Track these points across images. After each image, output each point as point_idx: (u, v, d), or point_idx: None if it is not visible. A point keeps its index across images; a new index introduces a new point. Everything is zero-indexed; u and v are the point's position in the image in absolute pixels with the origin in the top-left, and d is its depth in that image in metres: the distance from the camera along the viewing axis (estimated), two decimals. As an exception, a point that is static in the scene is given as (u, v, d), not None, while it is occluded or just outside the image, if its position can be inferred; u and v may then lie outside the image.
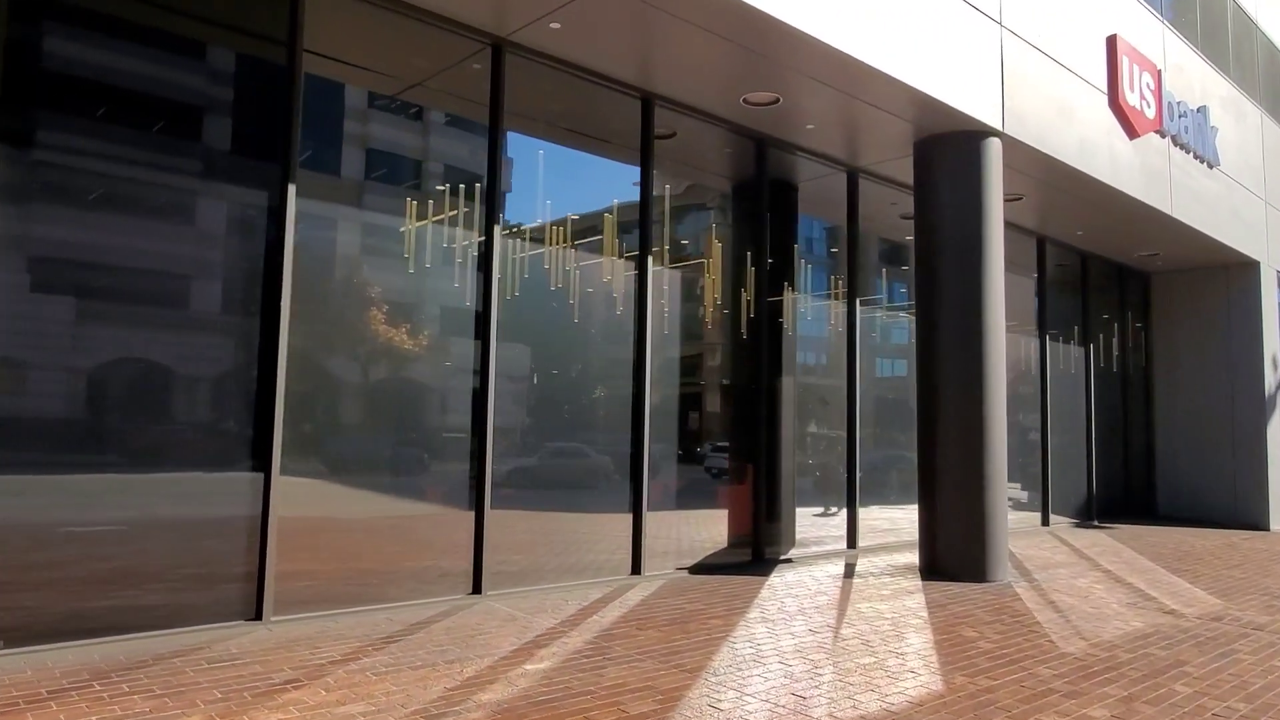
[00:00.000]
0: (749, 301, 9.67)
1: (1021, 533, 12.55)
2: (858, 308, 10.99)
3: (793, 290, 10.38)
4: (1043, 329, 13.88)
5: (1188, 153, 12.77)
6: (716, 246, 9.58)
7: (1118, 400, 15.77)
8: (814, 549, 10.04)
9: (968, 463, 8.75)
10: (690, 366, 9.55)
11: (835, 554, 10.02)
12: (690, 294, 9.40)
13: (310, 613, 6.13)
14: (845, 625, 6.49)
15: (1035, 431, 13.68)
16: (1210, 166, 13.36)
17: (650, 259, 8.55)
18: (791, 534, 10.01)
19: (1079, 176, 10.70)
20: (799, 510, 10.26)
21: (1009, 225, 11.73)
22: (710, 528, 9.25)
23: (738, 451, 9.63)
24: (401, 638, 5.68)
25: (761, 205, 9.89)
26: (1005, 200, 10.23)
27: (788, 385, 10.12)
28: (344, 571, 6.57)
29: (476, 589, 7.03)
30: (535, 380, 8.08)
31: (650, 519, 8.35)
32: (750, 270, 9.76)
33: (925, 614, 6.95)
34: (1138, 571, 9.51)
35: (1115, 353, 15.74)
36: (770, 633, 6.17)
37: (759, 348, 9.72)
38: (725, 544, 9.25)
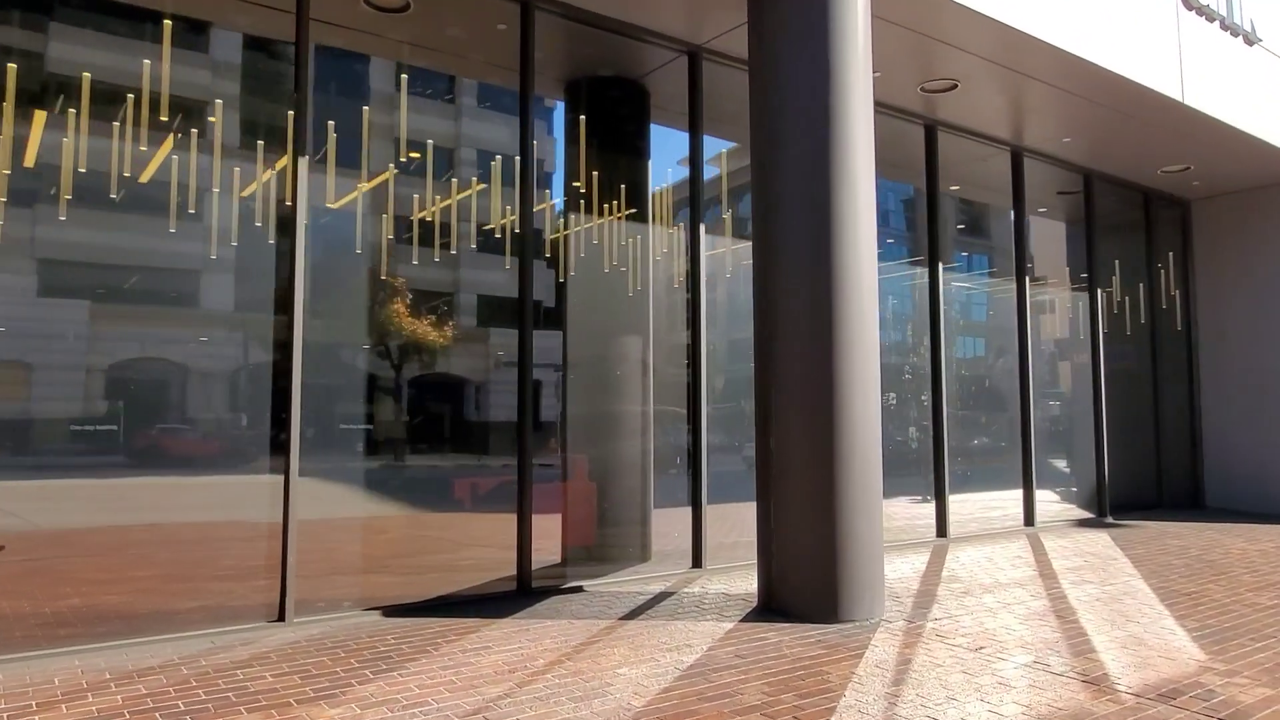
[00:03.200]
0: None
1: (985, 537, 9.49)
2: (941, 278, 9.56)
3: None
4: (1021, 272, 10.66)
5: (1211, 21, 9.44)
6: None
7: (1145, 365, 12.37)
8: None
9: (814, 451, 5.88)
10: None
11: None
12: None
13: None
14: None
15: (1014, 405, 10.52)
16: (1249, 43, 9.95)
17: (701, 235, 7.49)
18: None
19: (1040, 48, 7.66)
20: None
21: (972, 135, 8.89)
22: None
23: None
24: None
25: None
26: (938, 90, 7.63)
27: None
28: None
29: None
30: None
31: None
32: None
33: (649, 690, 4.20)
34: (1109, 599, 6.47)
35: (1141, 304, 12.35)
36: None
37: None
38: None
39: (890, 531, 8.88)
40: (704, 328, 7.59)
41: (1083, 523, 10.79)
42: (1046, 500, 10.84)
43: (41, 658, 4.70)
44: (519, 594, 6.32)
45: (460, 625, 5.50)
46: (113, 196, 5.58)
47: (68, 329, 5.48)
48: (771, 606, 5.99)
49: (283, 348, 5.78)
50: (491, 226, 7.08)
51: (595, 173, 7.91)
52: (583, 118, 7.90)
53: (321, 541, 5.91)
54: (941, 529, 9.18)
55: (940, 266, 9.48)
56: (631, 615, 5.83)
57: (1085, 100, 8.89)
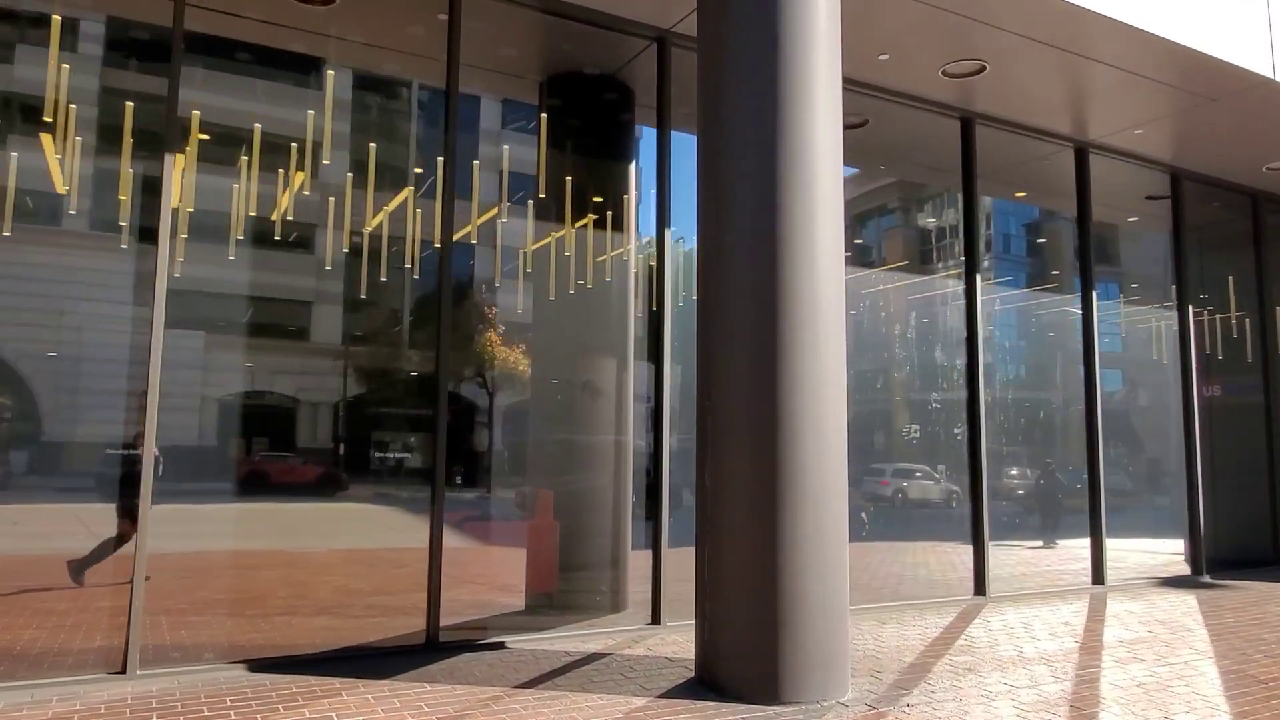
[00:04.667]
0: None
1: (1037, 596, 8.06)
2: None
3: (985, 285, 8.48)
4: (1086, 286, 9.18)
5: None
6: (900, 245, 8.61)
7: (1258, 396, 10.56)
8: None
9: (753, 493, 4.85)
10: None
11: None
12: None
13: None
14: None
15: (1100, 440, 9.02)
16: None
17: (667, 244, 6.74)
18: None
19: (1081, 16, 6.48)
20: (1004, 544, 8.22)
21: (1017, 128, 7.78)
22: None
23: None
24: None
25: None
26: (964, 74, 6.75)
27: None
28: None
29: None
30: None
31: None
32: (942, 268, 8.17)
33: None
34: (1155, 686, 5.12)
35: (1249, 325, 10.58)
36: None
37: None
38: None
39: (920, 585, 7.67)
40: (667, 348, 6.63)
41: (1170, 582, 9.14)
42: (1131, 553, 9.27)
43: None
44: (426, 649, 5.51)
45: (325, 686, 4.74)
46: (234, 234, 5.74)
47: (189, 358, 5.72)
48: (705, 680, 4.96)
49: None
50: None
51: (568, 178, 7.15)
52: (545, 117, 7.17)
53: (208, 580, 5.29)
54: (980, 585, 7.84)
55: (978, 281, 8.22)
56: (535, 682, 4.92)
57: (1151, 81, 7.53)
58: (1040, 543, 8.88)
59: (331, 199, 6.11)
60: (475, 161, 6.77)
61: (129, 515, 5.00)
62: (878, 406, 8.32)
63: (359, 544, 6.10)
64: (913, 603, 7.44)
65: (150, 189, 5.45)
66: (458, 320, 6.53)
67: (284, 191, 5.93)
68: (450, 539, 7.39)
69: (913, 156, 8.75)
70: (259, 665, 5.03)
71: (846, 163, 7.99)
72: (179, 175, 5.45)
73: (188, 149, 5.58)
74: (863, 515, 7.53)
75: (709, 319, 5.17)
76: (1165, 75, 7.44)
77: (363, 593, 5.86)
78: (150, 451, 5.15)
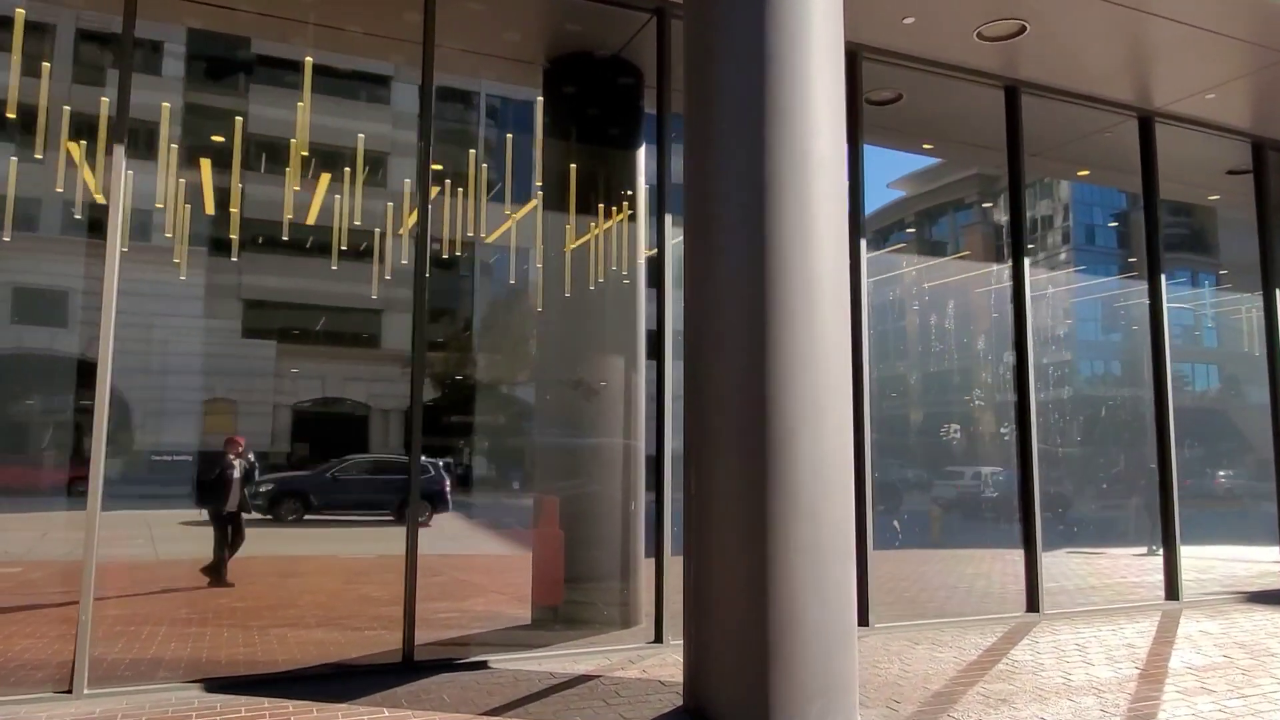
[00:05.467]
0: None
1: (1100, 614, 7.26)
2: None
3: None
4: (1155, 270, 8.28)
5: None
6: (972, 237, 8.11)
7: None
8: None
9: (742, 501, 4.32)
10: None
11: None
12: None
13: None
14: None
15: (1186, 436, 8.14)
16: None
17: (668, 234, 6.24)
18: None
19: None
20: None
21: (1068, 96, 7.13)
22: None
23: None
24: None
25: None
26: (1002, 36, 6.50)
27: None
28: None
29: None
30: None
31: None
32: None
33: None
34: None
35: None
36: None
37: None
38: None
39: (969, 599, 7.01)
40: (668, 344, 6.13)
41: (1259, 597, 8.19)
42: (1220, 562, 8.39)
43: None
44: (401, 669, 5.14)
45: (278, 710, 4.40)
46: (295, 242, 5.84)
47: (264, 366, 5.88)
48: (692, 709, 4.46)
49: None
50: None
51: (573, 165, 6.76)
52: (544, 102, 6.78)
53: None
54: (1032, 600, 7.11)
55: (1026, 268, 7.47)
56: (504, 709, 4.50)
57: (1221, 37, 6.70)
58: (1145, 549, 8.10)
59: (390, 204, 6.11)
60: (465, 152, 6.44)
61: (226, 520, 5.21)
62: (955, 407, 7.67)
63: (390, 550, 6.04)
64: (956, 620, 6.77)
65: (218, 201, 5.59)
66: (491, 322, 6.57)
67: (346, 199, 5.96)
68: (466, 546, 7.09)
69: (955, 133, 8.06)
70: (218, 685, 4.73)
71: (880, 143, 7.54)
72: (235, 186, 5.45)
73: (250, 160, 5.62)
74: (895, 524, 6.90)
75: (695, 314, 4.67)
76: (1237, 28, 6.61)
77: (373, 602, 5.62)
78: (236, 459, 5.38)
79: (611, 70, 6.92)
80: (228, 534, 5.69)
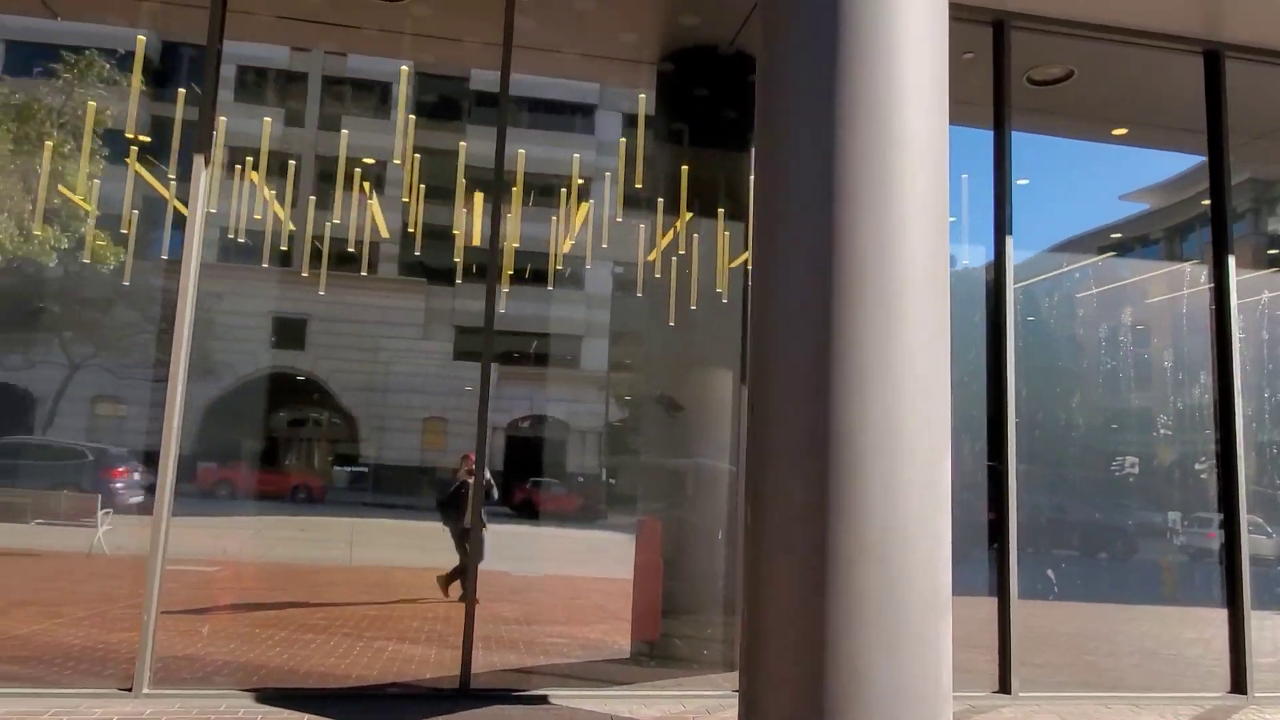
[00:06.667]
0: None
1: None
2: (1232, 283, 6.64)
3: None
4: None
5: None
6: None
7: None
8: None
9: (803, 537, 3.68)
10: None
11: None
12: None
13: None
14: None
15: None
16: None
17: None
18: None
19: None
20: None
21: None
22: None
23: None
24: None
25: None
26: None
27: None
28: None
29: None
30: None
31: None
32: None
33: None
34: None
35: None
36: None
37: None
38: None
39: (1159, 671, 5.84)
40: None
41: None
42: None
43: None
44: (458, 695, 4.87)
45: (313, 729, 4.25)
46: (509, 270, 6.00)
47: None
48: (744, 772, 3.83)
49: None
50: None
51: (684, 166, 6.37)
52: (660, 105, 6.42)
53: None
54: (1238, 678, 5.74)
55: (1230, 272, 6.14)
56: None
57: None
58: None
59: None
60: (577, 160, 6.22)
61: (462, 535, 5.45)
62: (1134, 437, 6.48)
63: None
64: (1132, 696, 5.59)
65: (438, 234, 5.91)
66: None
67: (565, 228, 6.12)
68: (572, 567, 6.87)
69: (1143, 113, 6.84)
70: (270, 696, 4.67)
71: (1045, 130, 6.52)
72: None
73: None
74: (1049, 573, 5.83)
75: (757, 324, 4.09)
76: None
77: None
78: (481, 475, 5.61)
79: (720, 63, 6.45)
80: (465, 548, 5.80)
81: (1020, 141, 5.90)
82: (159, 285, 5.86)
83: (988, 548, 5.49)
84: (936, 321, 3.82)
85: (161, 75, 5.91)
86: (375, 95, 6.25)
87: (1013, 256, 5.66)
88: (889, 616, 3.54)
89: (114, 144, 6.06)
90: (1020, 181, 5.95)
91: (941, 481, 3.75)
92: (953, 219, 7.68)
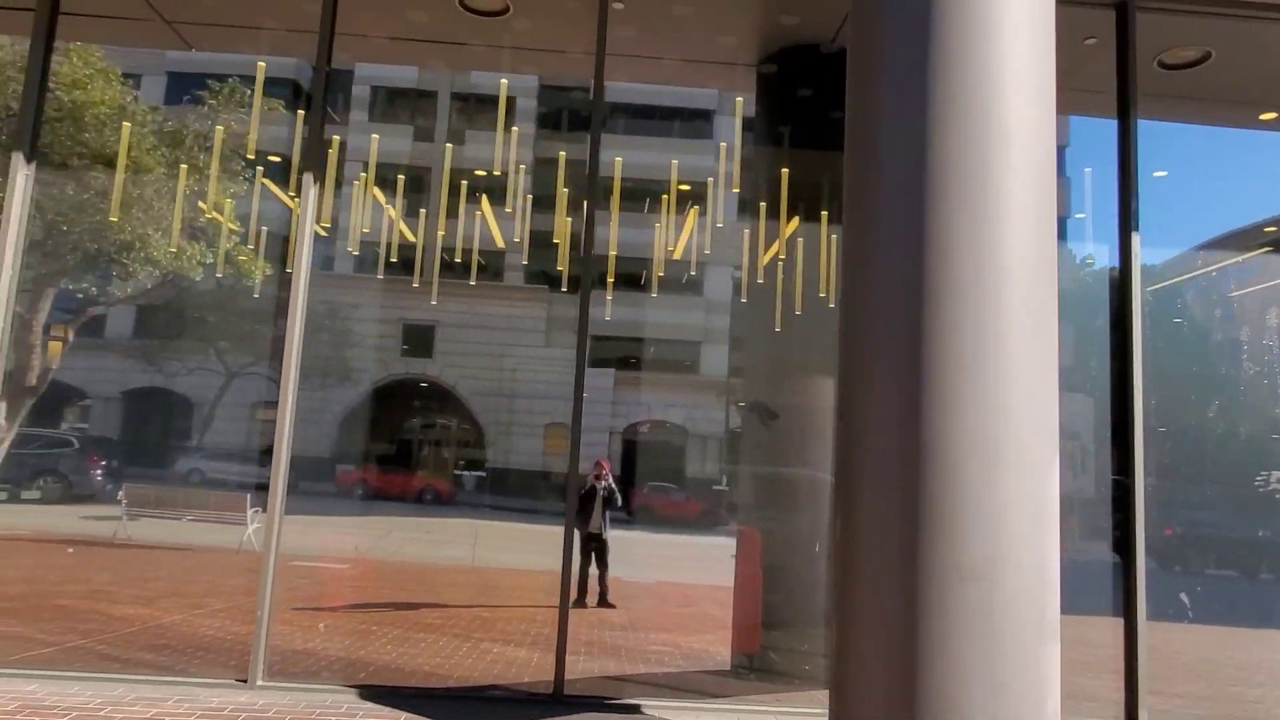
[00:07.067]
0: None
1: None
2: None
3: None
4: None
5: None
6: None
7: None
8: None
9: (896, 552, 3.52)
10: None
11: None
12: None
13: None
14: None
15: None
16: None
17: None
18: None
19: None
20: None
21: None
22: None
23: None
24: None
25: None
26: None
27: None
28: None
29: None
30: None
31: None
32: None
33: None
34: None
35: None
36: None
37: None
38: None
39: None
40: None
41: None
42: None
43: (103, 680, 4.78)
44: (551, 701, 4.90)
45: (410, 728, 4.37)
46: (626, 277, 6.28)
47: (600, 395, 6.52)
48: (830, 799, 3.69)
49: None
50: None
51: (785, 169, 6.26)
52: (763, 105, 6.31)
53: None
54: None
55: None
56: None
57: None
58: None
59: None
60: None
61: (590, 540, 5.62)
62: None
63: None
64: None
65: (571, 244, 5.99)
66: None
67: (680, 234, 6.22)
68: (686, 574, 6.83)
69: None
70: (372, 693, 4.83)
71: (1182, 118, 6.05)
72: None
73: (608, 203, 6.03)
74: (1183, 597, 5.37)
75: (846, 324, 3.94)
76: None
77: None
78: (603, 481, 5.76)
79: (831, 63, 6.27)
80: (591, 555, 5.95)
81: (1155, 131, 5.48)
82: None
83: (1113, 565, 5.12)
84: (1041, 325, 3.58)
85: (291, 97, 6.23)
86: (489, 109, 6.38)
87: (1140, 254, 5.26)
88: (988, 641, 3.34)
89: (249, 164, 6.44)
90: (1157, 174, 5.54)
91: (1048, 496, 3.52)
92: (1079, 215, 7.20)
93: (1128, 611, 4.92)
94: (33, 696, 4.41)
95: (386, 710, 4.59)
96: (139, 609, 6.60)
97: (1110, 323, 5.25)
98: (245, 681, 4.76)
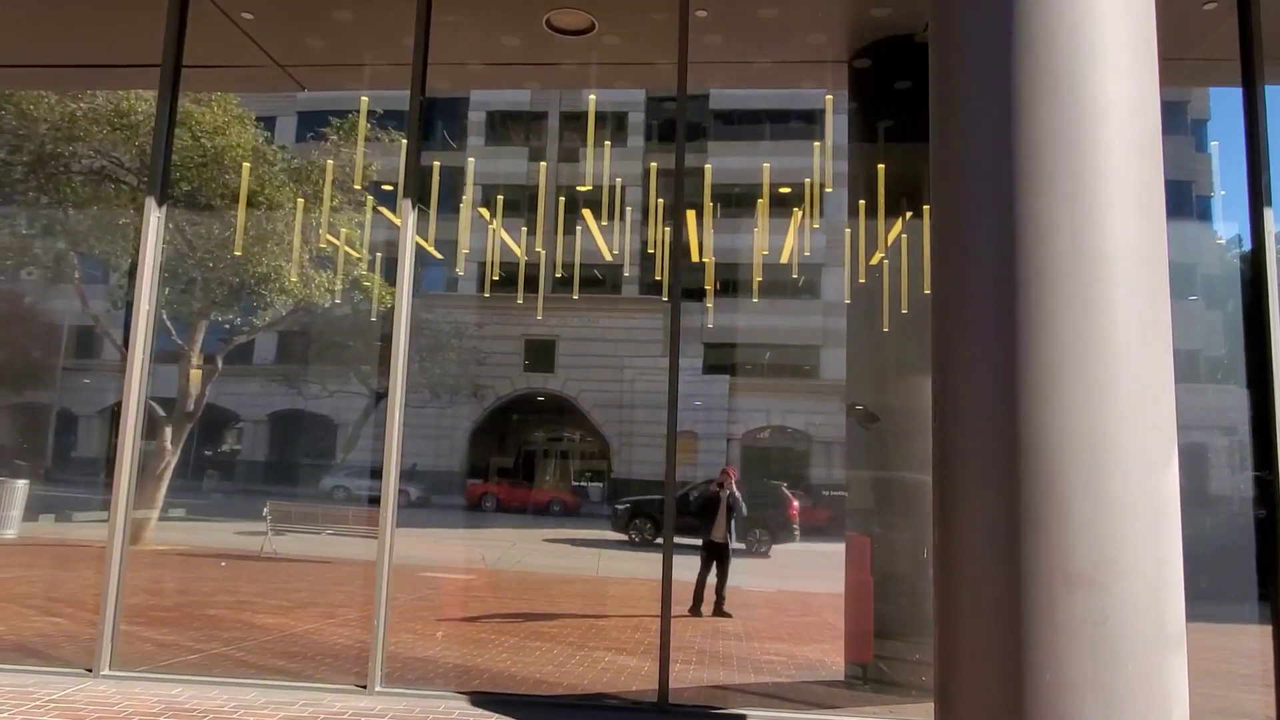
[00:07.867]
0: None
1: None
2: None
3: None
4: None
5: None
6: None
7: None
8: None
9: (999, 556, 3.35)
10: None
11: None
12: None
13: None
14: None
15: None
16: None
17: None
18: None
19: None
20: None
21: None
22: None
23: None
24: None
25: None
26: None
27: None
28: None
29: None
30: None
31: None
32: None
33: None
34: None
35: None
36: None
37: None
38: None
39: None
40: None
41: None
42: None
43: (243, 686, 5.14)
44: (655, 710, 4.89)
45: (516, 735, 4.46)
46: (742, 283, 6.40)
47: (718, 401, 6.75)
48: (938, 816, 3.54)
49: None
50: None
51: (882, 166, 6.11)
52: (855, 104, 6.18)
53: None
54: None
55: None
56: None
57: None
58: None
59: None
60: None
61: (711, 548, 5.74)
62: None
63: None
64: None
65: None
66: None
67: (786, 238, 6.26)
68: (808, 582, 6.74)
69: None
70: (484, 700, 4.95)
71: None
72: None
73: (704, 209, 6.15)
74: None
75: (940, 319, 3.79)
76: None
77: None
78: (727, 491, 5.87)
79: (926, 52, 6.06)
80: (711, 564, 6.01)
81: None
82: (424, 319, 6.40)
83: (1257, 571, 4.70)
84: (1151, 313, 3.35)
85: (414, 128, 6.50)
86: (599, 125, 6.47)
87: (1275, 231, 4.84)
88: (1101, 651, 3.14)
89: (364, 194, 6.77)
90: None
91: (1166, 495, 3.28)
92: (1222, 192, 6.72)
93: (1276, 619, 4.51)
94: (176, 699, 4.75)
95: (494, 715, 4.70)
96: (277, 618, 7.01)
97: (1243, 308, 4.86)
98: (364, 687, 4.98)
